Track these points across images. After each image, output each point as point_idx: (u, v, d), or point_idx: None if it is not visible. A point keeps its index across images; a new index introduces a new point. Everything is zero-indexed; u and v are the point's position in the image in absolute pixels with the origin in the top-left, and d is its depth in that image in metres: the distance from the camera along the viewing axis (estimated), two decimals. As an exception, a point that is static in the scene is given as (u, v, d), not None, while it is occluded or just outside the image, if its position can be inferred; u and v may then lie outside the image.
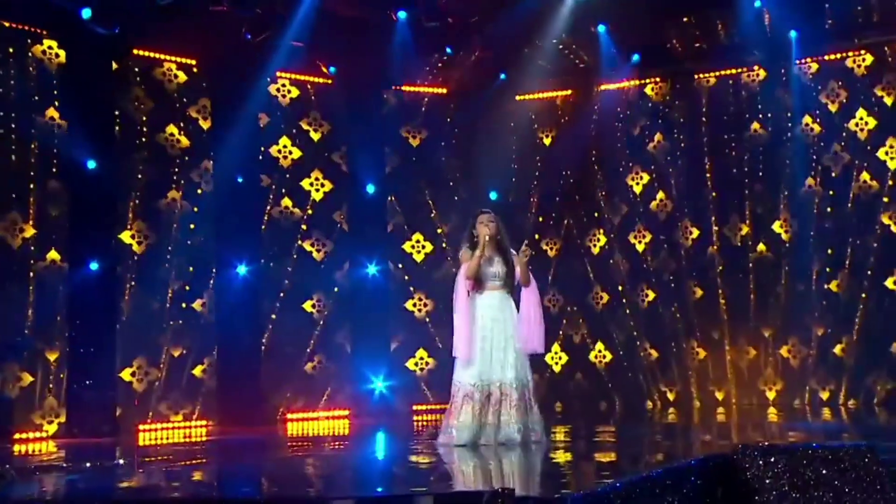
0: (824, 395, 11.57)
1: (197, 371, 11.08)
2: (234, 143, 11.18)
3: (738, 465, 4.69)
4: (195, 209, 11.15)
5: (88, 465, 7.24)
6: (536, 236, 12.84)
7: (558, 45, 12.10)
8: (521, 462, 6.44)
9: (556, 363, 12.69)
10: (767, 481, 4.60)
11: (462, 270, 7.11)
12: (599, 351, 12.27)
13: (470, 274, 7.06)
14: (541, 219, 12.70)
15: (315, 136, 12.18)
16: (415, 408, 12.30)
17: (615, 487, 4.19)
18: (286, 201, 11.98)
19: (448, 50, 11.91)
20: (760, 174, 11.67)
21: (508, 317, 7.11)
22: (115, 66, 10.65)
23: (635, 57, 12.12)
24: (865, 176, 11.23)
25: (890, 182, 11.31)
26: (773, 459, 4.64)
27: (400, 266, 12.40)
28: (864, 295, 11.41)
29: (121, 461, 7.86)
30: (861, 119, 11.32)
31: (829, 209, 11.66)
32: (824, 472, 4.61)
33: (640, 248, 12.24)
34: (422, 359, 12.40)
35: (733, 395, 11.93)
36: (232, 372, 11.09)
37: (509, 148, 12.84)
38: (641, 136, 12.52)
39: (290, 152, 12.08)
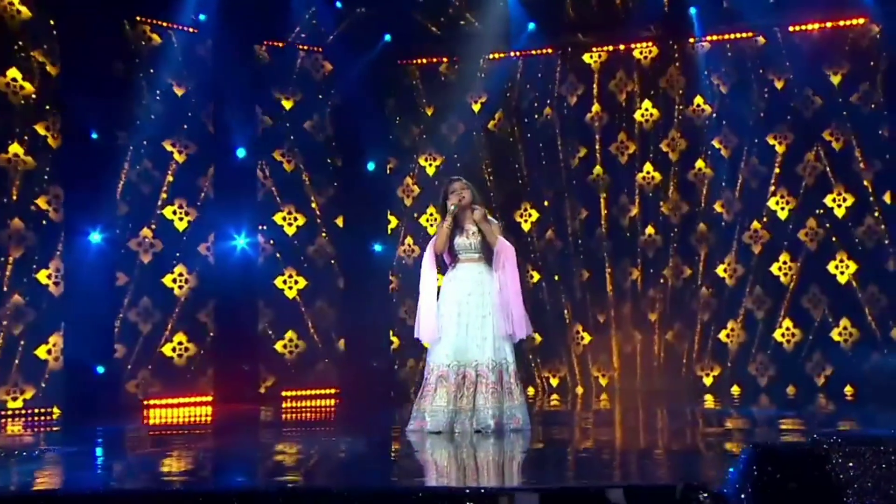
0: (707, 381, 11.13)
1: (40, 352, 9.46)
2: (86, 94, 9.55)
3: (816, 456, 3.90)
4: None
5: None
6: (415, 215, 11.85)
7: (448, 9, 11.13)
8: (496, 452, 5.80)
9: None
10: (851, 474, 3.84)
11: (431, 243, 6.57)
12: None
13: (439, 246, 6.51)
14: (420, 195, 11.61)
15: (178, 91, 10.70)
16: (284, 394, 11.06)
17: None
18: (146, 162, 10.47)
19: (338, 4, 10.69)
20: (651, 155, 11.06)
21: (487, 291, 6.47)
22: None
23: (531, 26, 11.29)
24: (755, 160, 10.74)
25: (777, 168, 10.90)
26: (858, 450, 3.89)
27: (271, 242, 11.11)
28: (750, 280, 11.01)
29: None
30: (751, 102, 10.80)
31: (718, 192, 11.21)
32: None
33: (525, 227, 11.40)
34: (291, 341, 11.17)
35: (617, 381, 11.28)
36: (81, 353, 9.52)
37: (391, 116, 11.74)
38: (531, 110, 11.72)
39: (151, 108, 10.56)
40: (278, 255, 11.08)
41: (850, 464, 3.92)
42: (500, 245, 6.46)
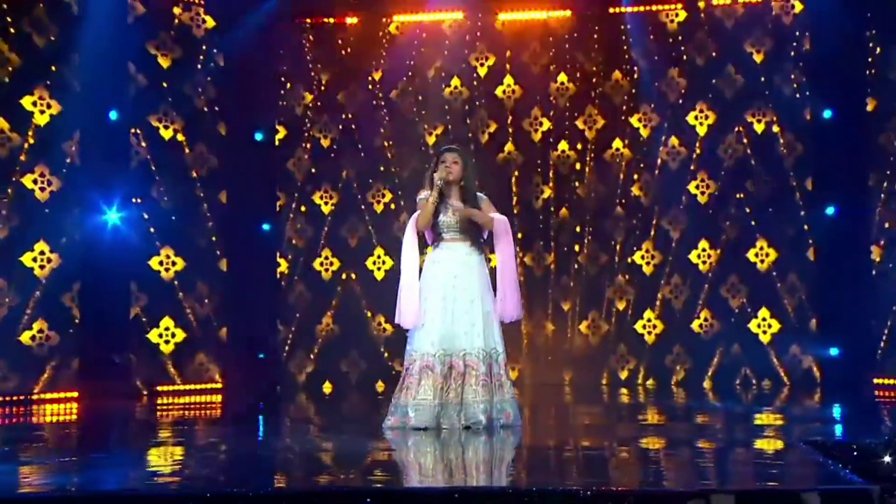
0: (623, 375, 10.58)
1: None
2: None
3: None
4: None
5: None
6: (309, 187, 10.83)
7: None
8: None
9: (327, 337, 10.74)
10: None
11: (412, 219, 6.10)
12: (379, 323, 10.45)
13: (422, 223, 6.05)
14: (314, 169, 10.59)
15: (39, 42, 9.34)
16: (159, 389, 9.87)
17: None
18: (1, 123, 9.08)
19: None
20: (566, 132, 10.47)
21: (476, 274, 6.09)
22: None
23: (437, -13, 10.44)
24: (674, 141, 10.21)
25: (698, 149, 10.31)
26: None
27: (146, 216, 9.89)
28: (667, 269, 10.51)
29: None
30: (672, 79, 10.24)
31: (635, 175, 10.66)
32: None
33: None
34: (167, 329, 9.98)
35: (528, 375, 10.60)
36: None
37: (281, 81, 10.64)
38: (437, 80, 10.86)
39: (7, 59, 9.17)
40: (153, 231, 9.83)
41: None
42: (495, 224, 6.16)
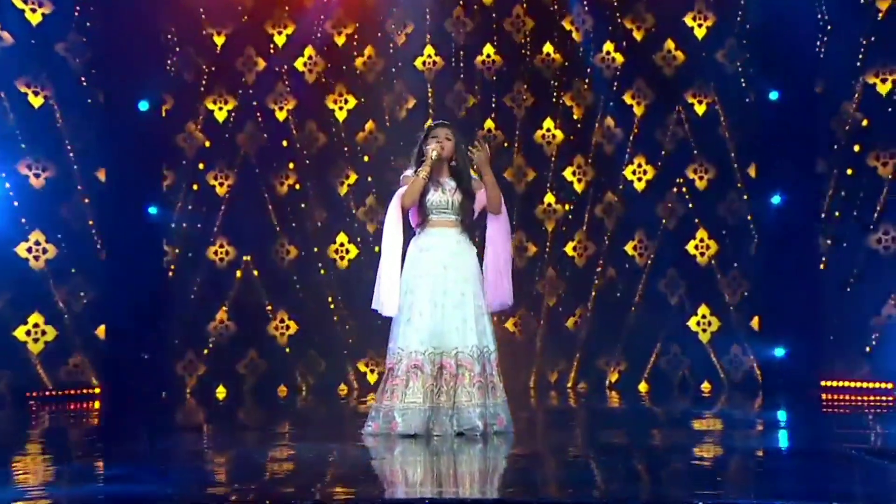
0: (552, 377, 9.75)
1: None
2: None
3: None
4: None
5: None
6: (201, 165, 9.64)
7: None
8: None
9: (221, 335, 9.54)
10: None
11: (397, 195, 5.66)
12: (282, 320, 9.35)
13: (408, 200, 5.64)
14: (207, 143, 9.38)
15: None
16: (28, 395, 8.59)
17: None
18: None
19: None
20: (493, 110, 9.66)
21: (467, 262, 5.71)
22: None
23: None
24: (610, 121, 9.51)
25: (635, 130, 9.59)
26: None
27: (11, 195, 8.57)
28: (601, 261, 9.73)
29: None
30: (608, 54, 9.51)
31: (567, 158, 9.84)
32: None
33: (342, 191, 9.68)
34: (37, 326, 8.69)
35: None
36: None
37: (169, 43, 9.38)
38: (348, 48, 9.79)
39: None
40: (21, 213, 8.56)
41: None
42: (502, 212, 5.86)
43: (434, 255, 5.63)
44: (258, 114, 9.31)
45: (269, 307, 9.39)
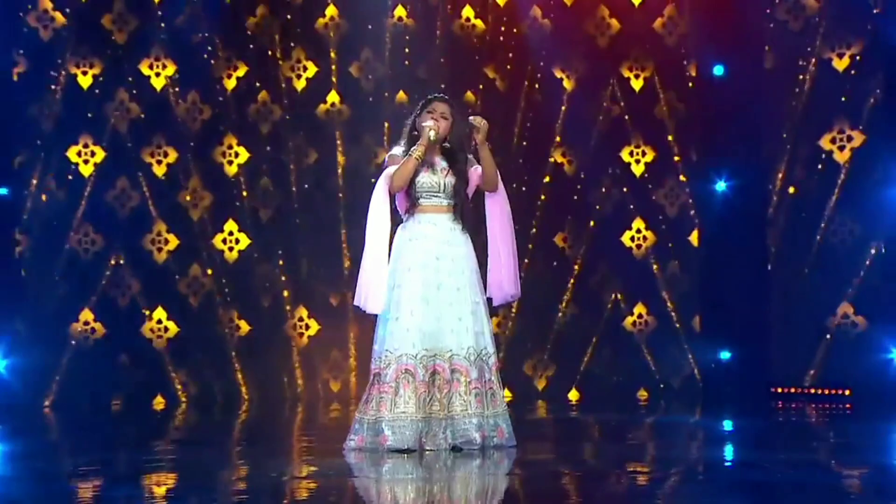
0: (471, 385, 8.70)
1: None
2: None
3: None
4: None
5: None
6: (60, 141, 8.38)
7: None
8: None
9: (86, 338, 8.42)
10: None
11: (384, 176, 5.21)
12: (160, 321, 8.38)
13: (398, 181, 5.19)
14: (90, 114, 8.35)
15: None
16: None
17: None
18: None
19: None
20: (405, 82, 8.72)
21: (462, 255, 5.30)
22: None
23: None
24: (538, 97, 8.71)
25: (564, 107, 8.80)
26: None
27: None
28: (527, 254, 8.79)
29: None
30: (535, 20, 8.73)
31: (492, 141, 8.80)
32: None
33: (230, 170, 8.66)
34: None
35: (355, 386, 8.63)
36: None
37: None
38: (235, 5, 8.61)
39: None
40: None
41: None
42: (500, 191, 5.40)
43: (424, 245, 5.17)
44: (130, 79, 8.32)
45: (146, 310, 8.41)
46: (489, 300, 5.41)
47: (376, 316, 5.20)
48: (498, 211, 5.36)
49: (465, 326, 5.15)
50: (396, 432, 5.05)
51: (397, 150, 5.24)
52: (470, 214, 5.30)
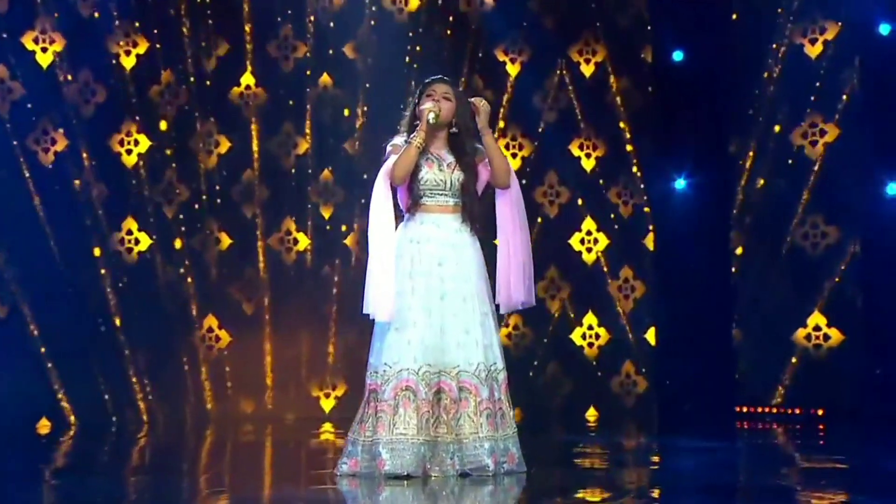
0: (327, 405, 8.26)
1: None
2: None
3: None
4: None
5: None
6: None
7: None
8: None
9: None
10: None
11: (383, 171, 4.83)
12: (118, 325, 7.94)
13: (399, 172, 4.80)
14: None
15: None
16: None
17: None
18: None
19: None
20: (329, 64, 8.29)
21: (469, 260, 4.91)
22: None
23: None
24: (479, 82, 8.16)
25: (507, 95, 8.25)
26: None
27: None
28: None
29: None
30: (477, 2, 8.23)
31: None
32: None
33: (129, 162, 8.08)
34: None
35: (278, 406, 8.11)
36: None
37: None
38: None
39: None
40: None
41: None
42: (514, 187, 5.00)
43: (427, 249, 4.86)
44: (13, 58, 7.71)
45: (33, 327, 7.72)
46: (497, 307, 5.07)
47: (373, 324, 4.83)
48: (509, 210, 4.98)
49: (473, 340, 4.81)
50: (395, 456, 4.71)
51: (398, 139, 4.87)
52: (479, 214, 4.87)
